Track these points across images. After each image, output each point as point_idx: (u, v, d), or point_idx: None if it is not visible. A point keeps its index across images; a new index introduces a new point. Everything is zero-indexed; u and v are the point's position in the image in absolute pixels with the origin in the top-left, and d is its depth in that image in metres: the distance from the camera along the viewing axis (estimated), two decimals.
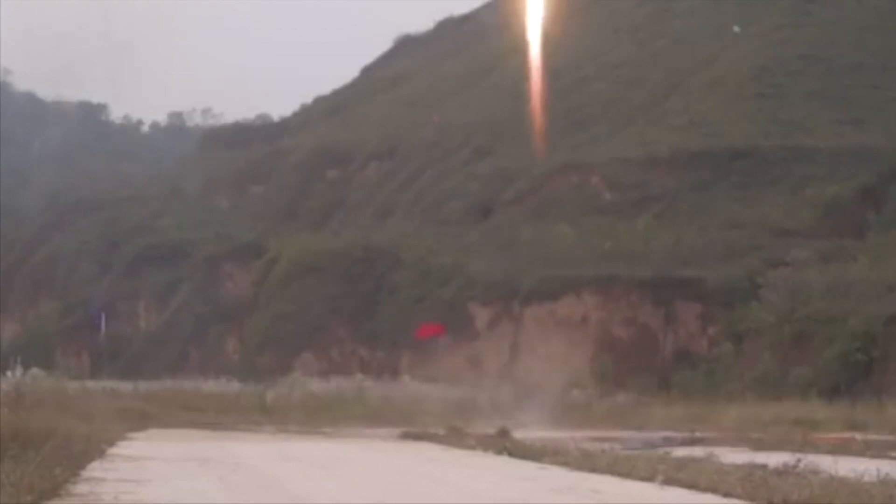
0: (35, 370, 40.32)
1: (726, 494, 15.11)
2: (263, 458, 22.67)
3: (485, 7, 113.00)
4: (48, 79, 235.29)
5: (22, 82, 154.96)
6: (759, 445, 27.23)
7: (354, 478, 18.63)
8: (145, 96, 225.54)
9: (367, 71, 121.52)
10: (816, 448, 24.90)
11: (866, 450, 25.09)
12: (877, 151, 67.26)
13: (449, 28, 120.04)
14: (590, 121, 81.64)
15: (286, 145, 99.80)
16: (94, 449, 21.09)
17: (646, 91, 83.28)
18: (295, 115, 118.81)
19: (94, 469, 17.94)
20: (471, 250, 66.16)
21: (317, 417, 37.76)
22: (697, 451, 22.33)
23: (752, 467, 18.09)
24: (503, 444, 25.01)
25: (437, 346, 36.20)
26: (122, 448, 23.69)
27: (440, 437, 29.03)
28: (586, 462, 20.10)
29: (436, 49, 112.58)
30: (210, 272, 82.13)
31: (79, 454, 18.77)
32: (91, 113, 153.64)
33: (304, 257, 73.07)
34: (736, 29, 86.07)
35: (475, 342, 57.75)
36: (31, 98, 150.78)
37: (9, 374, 37.27)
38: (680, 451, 22.72)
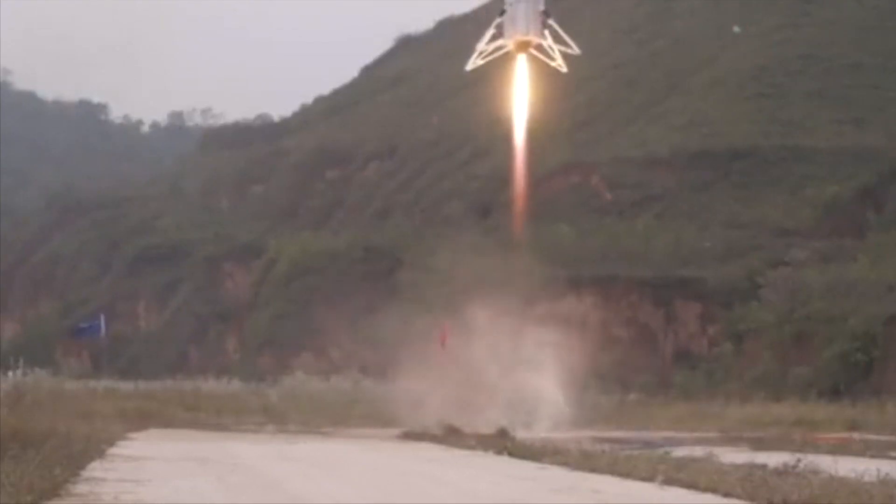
0: (37, 370, 40.34)
1: (726, 494, 15.10)
2: (263, 458, 22.66)
3: (485, 7, 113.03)
4: (48, 79, 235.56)
5: (22, 82, 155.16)
6: (759, 445, 27.22)
7: (354, 478, 18.62)
8: (145, 96, 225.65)
9: (367, 71, 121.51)
10: (816, 448, 24.88)
11: (866, 450, 25.07)
12: (877, 151, 67.27)
13: (449, 28, 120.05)
14: (590, 121, 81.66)
15: (286, 145, 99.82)
16: (94, 449, 21.06)
17: (646, 91, 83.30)
18: (295, 115, 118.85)
19: (94, 469, 17.93)
20: (471, 250, 66.07)
21: (317, 417, 37.75)
22: (697, 451, 22.32)
23: (752, 467, 18.07)
24: (503, 444, 25.00)
25: (437, 347, 36.16)
26: (122, 448, 23.67)
27: (440, 437, 29.02)
28: (586, 462, 20.09)
29: (436, 49, 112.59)
30: (210, 272, 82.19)
31: (79, 454, 18.75)
32: (91, 113, 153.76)
33: (304, 257, 73.07)
34: (736, 29, 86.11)
35: (475, 342, 57.65)
36: (31, 98, 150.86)
37: (10, 374, 37.28)
38: (680, 451, 22.71)
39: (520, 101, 38.09)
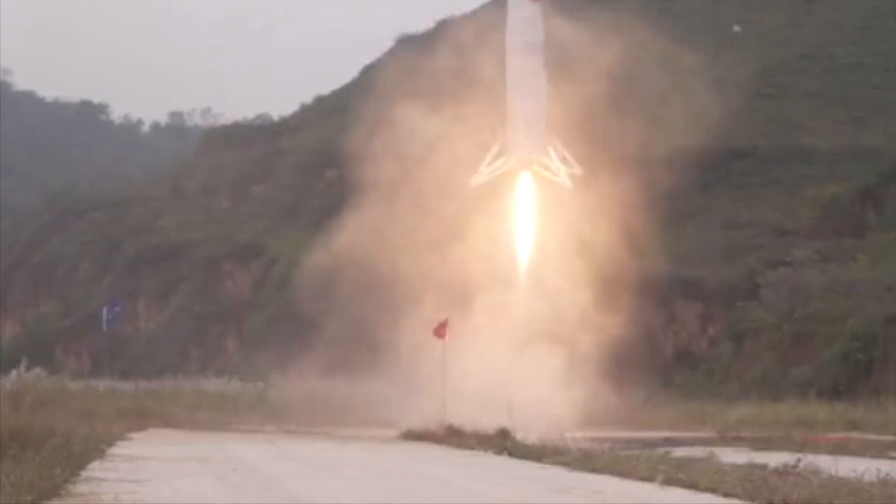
0: (38, 370, 40.37)
1: (726, 494, 15.11)
2: (263, 457, 22.68)
3: (485, 7, 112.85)
4: (48, 79, 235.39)
5: (22, 82, 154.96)
6: (759, 445, 27.23)
7: (354, 478, 18.62)
8: (145, 96, 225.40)
9: (367, 71, 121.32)
10: (816, 448, 24.88)
11: (866, 450, 25.09)
12: (877, 151, 67.18)
13: (449, 28, 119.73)
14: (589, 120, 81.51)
15: (286, 145, 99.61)
16: (94, 449, 21.09)
17: (646, 91, 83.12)
18: (295, 115, 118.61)
19: (94, 469, 17.95)
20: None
21: (317, 417, 37.78)
22: (697, 452, 22.33)
23: (752, 467, 18.10)
24: (503, 444, 25.01)
25: (435, 341, 36.34)
26: (122, 448, 23.70)
27: (440, 437, 29.03)
28: (586, 462, 20.11)
29: (436, 49, 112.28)
30: (210, 272, 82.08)
31: (79, 454, 18.78)
32: (91, 113, 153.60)
33: (304, 257, 72.89)
34: (736, 29, 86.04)
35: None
36: (31, 98, 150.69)
37: (13, 373, 37.32)
38: (680, 451, 22.73)
39: (524, 218, 38.52)
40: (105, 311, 50.34)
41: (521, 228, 38.79)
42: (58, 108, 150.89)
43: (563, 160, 38.35)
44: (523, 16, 39.41)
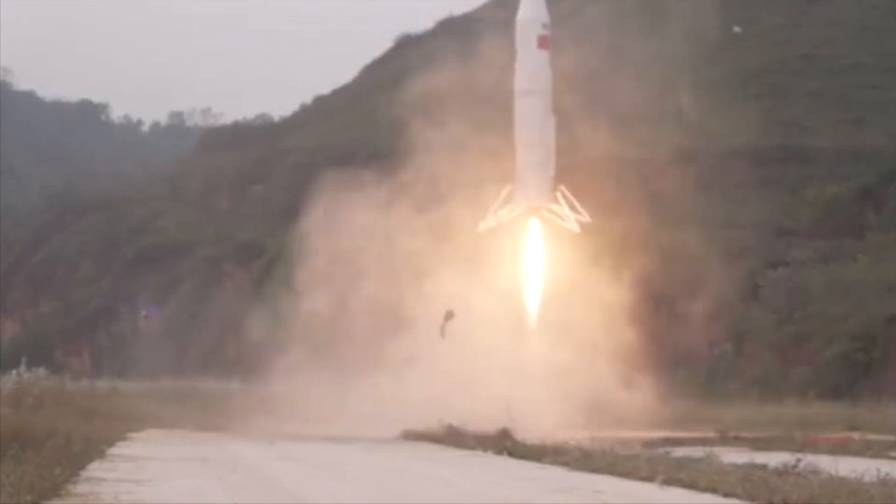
0: (41, 370, 40.35)
1: (726, 494, 15.11)
2: (263, 458, 22.68)
3: (486, 6, 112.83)
4: (48, 79, 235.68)
5: (22, 82, 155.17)
6: (759, 445, 27.23)
7: (355, 478, 18.63)
8: (145, 96, 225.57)
9: (367, 71, 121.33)
10: (816, 448, 24.88)
11: (866, 450, 25.08)
12: (877, 151, 67.19)
13: (449, 28, 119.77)
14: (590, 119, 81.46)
15: (286, 145, 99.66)
16: (94, 449, 21.10)
17: (646, 90, 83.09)
18: (295, 115, 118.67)
19: (94, 469, 17.95)
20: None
21: (316, 417, 37.78)
22: (697, 452, 22.33)
23: (752, 467, 18.10)
24: (503, 444, 25.01)
25: (440, 334, 36.56)
26: (122, 448, 23.70)
27: (440, 437, 29.02)
28: (586, 462, 20.12)
29: (436, 49, 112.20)
30: (210, 272, 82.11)
31: (79, 454, 18.79)
32: (91, 113, 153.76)
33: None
34: (736, 29, 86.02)
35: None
36: (31, 98, 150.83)
37: (14, 373, 37.31)
38: (680, 451, 22.73)
39: (533, 264, 38.72)
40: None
41: (531, 270, 39.08)
42: (58, 108, 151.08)
43: (572, 207, 38.63)
44: (531, 62, 39.69)
